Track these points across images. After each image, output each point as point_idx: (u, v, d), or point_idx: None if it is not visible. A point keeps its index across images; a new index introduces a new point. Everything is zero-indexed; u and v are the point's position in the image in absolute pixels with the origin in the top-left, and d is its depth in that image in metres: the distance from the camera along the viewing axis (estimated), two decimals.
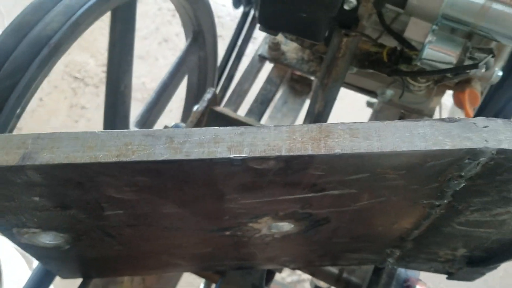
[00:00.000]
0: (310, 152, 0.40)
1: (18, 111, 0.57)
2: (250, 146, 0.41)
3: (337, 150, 0.40)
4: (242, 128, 0.42)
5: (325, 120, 0.84)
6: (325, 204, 0.50)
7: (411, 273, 0.77)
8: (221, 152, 0.40)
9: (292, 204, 0.50)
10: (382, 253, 0.67)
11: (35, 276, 0.89)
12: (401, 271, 0.78)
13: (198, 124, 0.89)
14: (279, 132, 0.41)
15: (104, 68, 2.85)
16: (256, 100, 0.98)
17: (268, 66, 1.22)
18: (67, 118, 2.68)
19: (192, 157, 0.40)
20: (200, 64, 1.14)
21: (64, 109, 2.71)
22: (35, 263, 1.68)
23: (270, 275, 0.88)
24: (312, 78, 1.38)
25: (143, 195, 0.47)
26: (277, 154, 0.40)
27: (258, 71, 1.06)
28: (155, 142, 0.41)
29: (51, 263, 0.65)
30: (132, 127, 0.98)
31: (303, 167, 0.43)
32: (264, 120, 1.38)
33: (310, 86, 1.47)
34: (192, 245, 0.62)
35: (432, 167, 0.44)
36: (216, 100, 0.94)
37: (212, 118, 0.92)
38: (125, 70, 0.85)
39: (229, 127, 0.42)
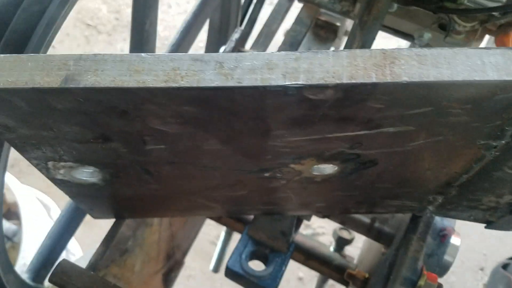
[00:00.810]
0: (374, 80, 0.37)
1: (47, 38, 0.54)
2: (307, 73, 0.37)
3: (404, 78, 0.37)
4: (297, 53, 0.38)
5: None
6: (377, 143, 0.48)
7: (447, 223, 0.76)
8: (275, 79, 0.37)
9: (341, 143, 0.48)
10: (423, 200, 0.65)
11: (58, 226, 0.89)
12: (437, 220, 0.76)
13: None
14: (338, 58, 0.38)
15: (117, 15, 2.79)
16: (284, 42, 0.93)
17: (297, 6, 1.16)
18: None
19: (244, 84, 0.37)
20: (224, 3, 1.09)
21: None
22: (54, 210, 1.70)
23: (297, 223, 0.87)
24: (338, 23, 1.33)
25: (188, 128, 0.44)
26: (337, 81, 0.37)
27: (286, 11, 1.00)
28: (205, 67, 0.38)
29: (84, 201, 0.63)
30: None
31: (363, 98, 0.39)
32: None
33: (336, 32, 1.41)
34: (227, 186, 0.60)
35: (499, 100, 0.40)
36: (243, 40, 0.90)
37: None
38: (151, 5, 0.80)
39: (283, 52, 0.39)
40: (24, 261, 1.44)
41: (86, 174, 0.54)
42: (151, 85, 0.37)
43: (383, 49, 0.38)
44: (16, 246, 1.47)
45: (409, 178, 0.58)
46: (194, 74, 0.37)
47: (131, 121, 0.42)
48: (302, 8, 1.04)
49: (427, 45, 0.92)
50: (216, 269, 1.40)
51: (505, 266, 1.93)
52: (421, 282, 0.71)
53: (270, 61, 0.38)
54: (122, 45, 2.75)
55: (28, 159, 0.49)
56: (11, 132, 0.43)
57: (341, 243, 1.11)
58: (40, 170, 0.52)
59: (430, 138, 0.46)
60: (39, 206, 1.64)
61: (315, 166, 0.54)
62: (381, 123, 0.44)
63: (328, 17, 1.27)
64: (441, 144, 0.48)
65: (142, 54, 0.38)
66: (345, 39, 1.55)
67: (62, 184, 0.56)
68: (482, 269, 2.15)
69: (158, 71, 0.37)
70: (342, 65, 0.38)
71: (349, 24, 1.48)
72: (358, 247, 1.25)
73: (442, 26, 0.91)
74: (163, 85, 0.37)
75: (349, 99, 0.39)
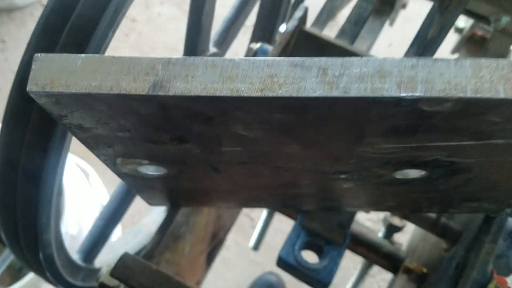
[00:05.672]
0: (501, 95, 0.32)
1: (115, 24, 0.50)
2: (425, 83, 0.33)
3: None
4: (413, 60, 0.34)
5: (436, 48, 0.73)
6: (479, 153, 0.43)
7: None
8: (388, 89, 0.33)
9: (440, 152, 0.43)
10: (504, 202, 0.60)
11: (110, 207, 0.87)
12: (509, 220, 0.71)
13: (286, 46, 0.80)
14: (461, 67, 0.33)
15: None
16: (349, 20, 0.86)
17: None
18: (118, 31, 2.60)
19: (352, 94, 0.33)
20: None
21: None
22: (93, 176, 1.70)
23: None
24: None
25: (272, 134, 0.40)
26: (460, 95, 0.32)
27: None
28: (305, 74, 0.33)
29: (145, 191, 0.61)
30: (210, 47, 0.90)
31: (483, 112, 0.34)
32: None
33: (392, 5, 1.32)
34: (296, 185, 0.57)
35: None
36: (305, 19, 0.84)
37: (301, 39, 0.83)
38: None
39: (397, 58, 0.34)
40: (66, 229, 1.46)
41: (152, 169, 0.51)
42: (245, 94, 0.33)
43: (510, 60, 0.33)
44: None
45: (499, 184, 0.53)
46: (293, 81, 0.33)
47: (213, 126, 0.38)
48: None
49: (504, 30, 0.84)
50: (256, 247, 1.38)
51: None
52: (491, 286, 0.67)
53: (382, 67, 0.33)
54: (159, 9, 2.69)
55: (97, 155, 0.47)
56: (86, 132, 0.40)
57: (391, 230, 1.06)
58: (106, 164, 0.50)
59: None
60: (78, 172, 1.64)
61: (402, 170, 0.49)
62: (492, 135, 0.39)
63: None
64: None
65: (236, 58, 0.34)
66: (402, 13, 1.45)
67: (125, 177, 0.54)
68: None
69: (254, 78, 0.33)
70: (465, 76, 0.33)
71: None
72: (407, 232, 1.21)
73: None
74: (258, 94, 0.33)
75: (467, 112, 0.34)
